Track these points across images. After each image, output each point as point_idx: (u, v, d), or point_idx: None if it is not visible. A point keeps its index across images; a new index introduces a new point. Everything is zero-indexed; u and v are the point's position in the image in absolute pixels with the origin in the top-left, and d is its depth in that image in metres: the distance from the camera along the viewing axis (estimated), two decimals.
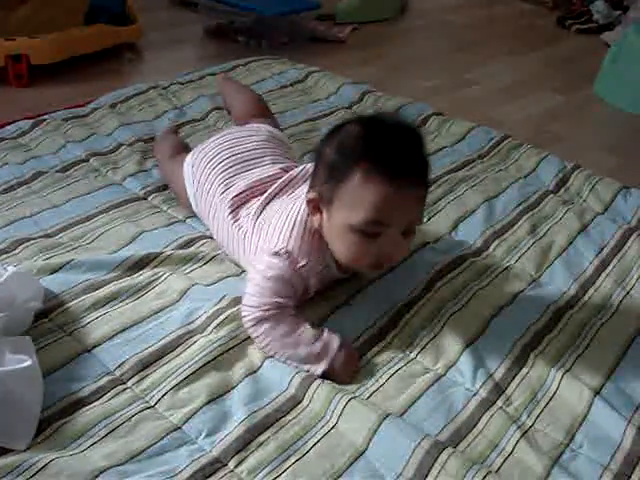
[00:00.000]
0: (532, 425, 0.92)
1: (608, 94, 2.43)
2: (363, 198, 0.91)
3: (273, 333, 0.96)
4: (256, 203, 1.11)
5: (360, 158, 0.92)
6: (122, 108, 1.73)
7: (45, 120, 1.62)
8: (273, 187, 1.12)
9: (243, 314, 0.99)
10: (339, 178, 0.94)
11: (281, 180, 1.12)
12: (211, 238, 1.22)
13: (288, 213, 1.03)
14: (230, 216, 1.13)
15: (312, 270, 1.01)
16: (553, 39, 3.09)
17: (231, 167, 1.19)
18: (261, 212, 1.09)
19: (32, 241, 1.18)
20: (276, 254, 0.99)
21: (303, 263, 0.99)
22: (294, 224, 1.01)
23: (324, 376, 0.94)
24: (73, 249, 1.17)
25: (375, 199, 0.91)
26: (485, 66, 2.67)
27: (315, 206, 0.99)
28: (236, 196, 1.14)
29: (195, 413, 0.88)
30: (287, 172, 1.14)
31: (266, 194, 1.11)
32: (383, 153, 0.92)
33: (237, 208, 1.13)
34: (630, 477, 0.86)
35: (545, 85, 2.54)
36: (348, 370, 0.96)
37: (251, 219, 1.09)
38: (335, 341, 0.97)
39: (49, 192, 1.35)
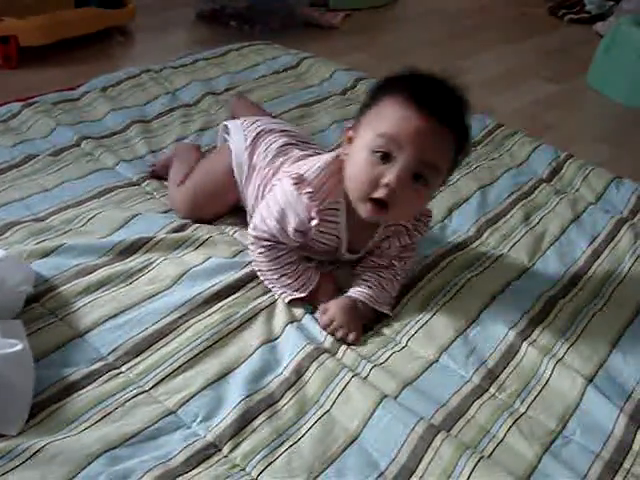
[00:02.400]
0: (524, 412, 0.92)
1: (601, 84, 2.43)
2: (382, 115, 0.98)
3: (268, 255, 1.05)
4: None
5: (394, 87, 0.99)
6: (114, 92, 1.70)
7: (35, 103, 1.59)
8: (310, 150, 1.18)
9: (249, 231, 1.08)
10: (370, 104, 1.01)
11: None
12: (204, 223, 1.22)
13: (320, 157, 1.09)
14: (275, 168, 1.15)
15: (317, 199, 1.01)
16: (546, 28, 3.08)
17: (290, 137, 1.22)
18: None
19: (22, 225, 1.16)
20: (291, 178, 1.02)
21: (309, 189, 1.01)
22: (320, 163, 1.05)
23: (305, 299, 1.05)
24: (64, 233, 1.15)
25: (391, 115, 0.96)
26: (478, 54, 2.66)
27: (349, 137, 1.04)
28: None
29: (191, 398, 0.88)
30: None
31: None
32: (415, 87, 0.97)
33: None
34: (621, 465, 0.87)
35: (538, 74, 2.53)
36: (326, 291, 1.07)
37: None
38: (315, 272, 1.07)
39: (40, 176, 1.33)
